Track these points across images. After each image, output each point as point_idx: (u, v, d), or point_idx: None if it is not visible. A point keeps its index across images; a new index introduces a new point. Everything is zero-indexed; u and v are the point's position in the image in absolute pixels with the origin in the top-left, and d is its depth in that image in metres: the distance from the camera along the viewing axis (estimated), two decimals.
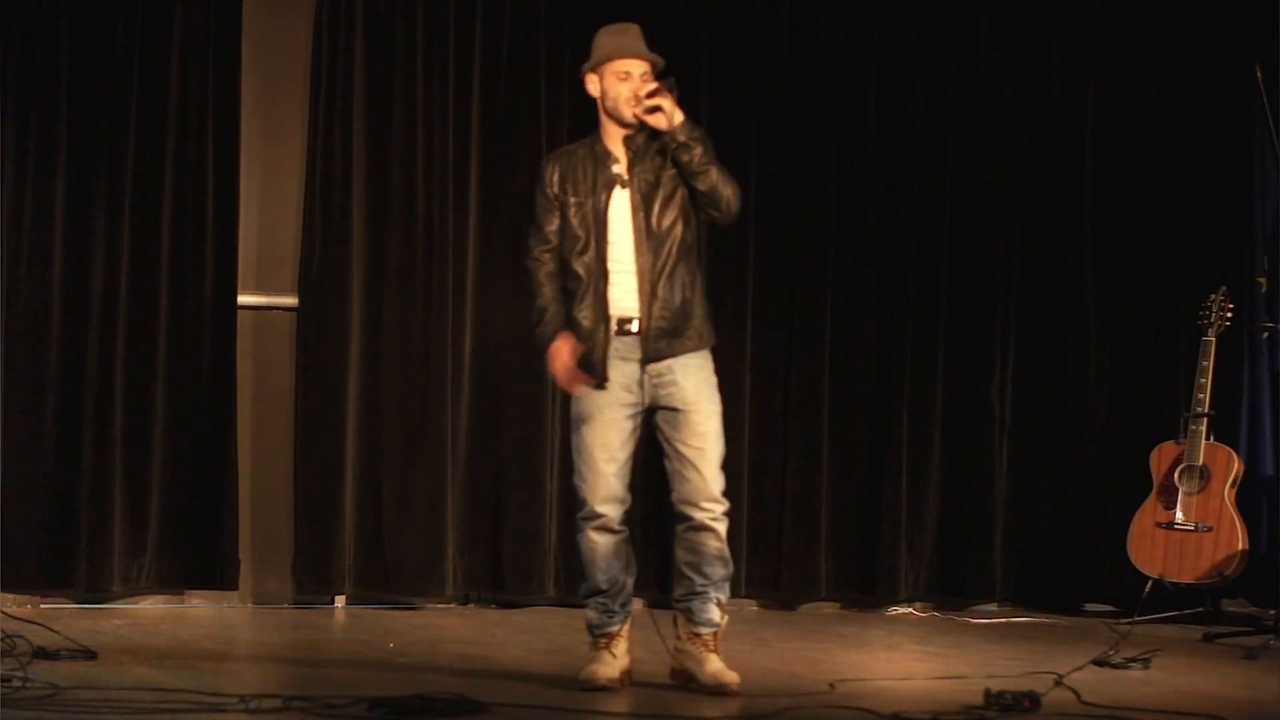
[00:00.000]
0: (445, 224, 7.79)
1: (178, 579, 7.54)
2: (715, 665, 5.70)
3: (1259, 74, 7.89)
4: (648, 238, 5.67)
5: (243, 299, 7.65)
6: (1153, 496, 7.92)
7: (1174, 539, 7.83)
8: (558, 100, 7.94)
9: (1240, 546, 7.76)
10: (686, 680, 5.74)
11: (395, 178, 7.76)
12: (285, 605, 7.67)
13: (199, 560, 7.52)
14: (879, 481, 8.25)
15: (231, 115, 7.59)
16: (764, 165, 8.11)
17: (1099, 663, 6.46)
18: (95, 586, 7.41)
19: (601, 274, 5.68)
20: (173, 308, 7.52)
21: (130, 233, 7.46)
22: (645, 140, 5.72)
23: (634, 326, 5.67)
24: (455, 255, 7.81)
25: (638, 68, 5.72)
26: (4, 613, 6.65)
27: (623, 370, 5.66)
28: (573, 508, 7.81)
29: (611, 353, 5.66)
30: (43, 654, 5.87)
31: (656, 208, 5.68)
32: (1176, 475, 7.86)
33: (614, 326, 5.67)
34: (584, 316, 5.68)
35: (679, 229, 5.71)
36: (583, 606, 7.87)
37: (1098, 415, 8.47)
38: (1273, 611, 7.33)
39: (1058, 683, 5.86)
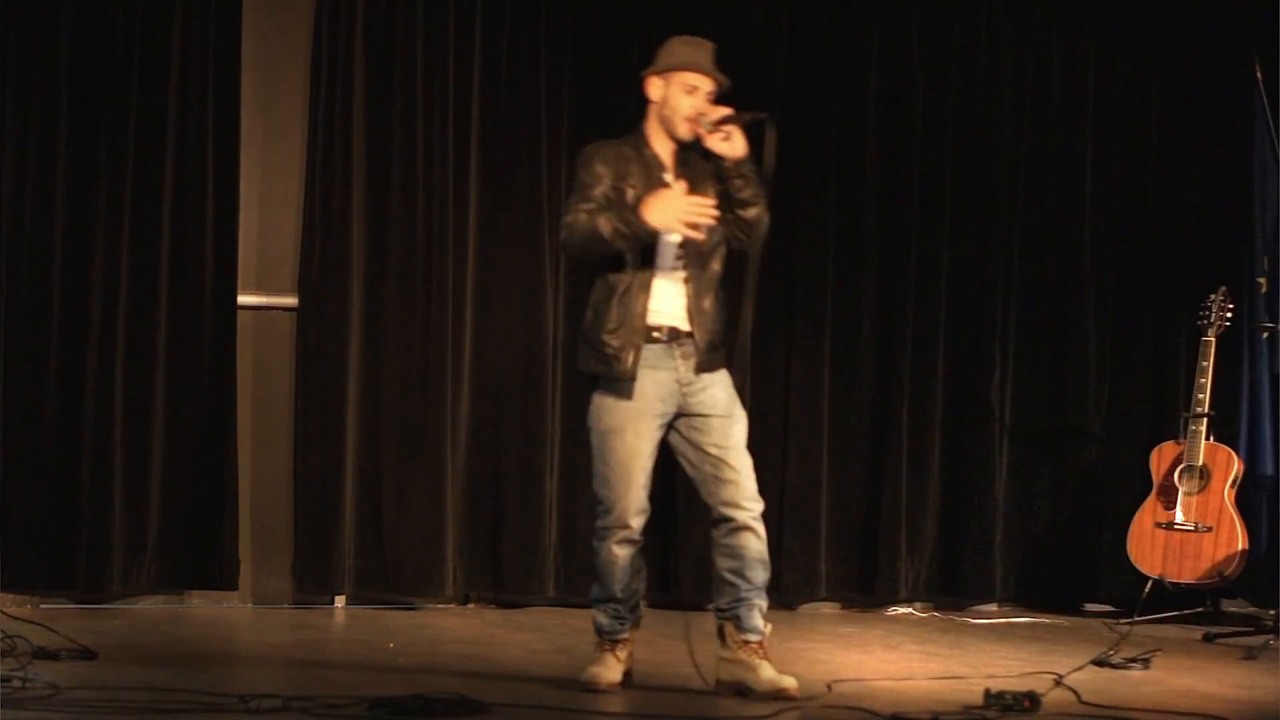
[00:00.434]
0: (445, 224, 7.79)
1: (178, 579, 7.54)
2: (770, 672, 5.66)
3: (1259, 74, 7.90)
4: (697, 253, 5.64)
5: (243, 299, 7.65)
6: (1153, 496, 7.92)
7: (1174, 539, 7.84)
8: (557, 100, 7.94)
9: (1240, 546, 7.76)
10: (738, 690, 5.68)
11: (395, 177, 7.76)
12: (285, 605, 7.68)
13: (199, 560, 7.52)
14: (879, 481, 8.26)
15: (231, 115, 7.59)
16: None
17: (1099, 663, 6.47)
18: (95, 586, 7.41)
19: (646, 280, 5.62)
20: (173, 308, 7.52)
21: (130, 233, 7.46)
22: (694, 155, 5.67)
23: (664, 335, 5.63)
24: (455, 255, 7.81)
25: (706, 85, 5.68)
26: (4, 613, 6.64)
27: (654, 379, 5.63)
28: (572, 508, 7.91)
29: (643, 363, 5.62)
30: (43, 654, 5.87)
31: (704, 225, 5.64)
32: (1176, 475, 7.86)
33: (649, 325, 5.62)
34: (620, 313, 5.62)
35: (722, 249, 5.71)
36: (586, 607, 7.88)
37: (1098, 415, 8.47)
38: (1273, 611, 7.34)
39: (1058, 683, 5.87)
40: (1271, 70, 7.99)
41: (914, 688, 5.98)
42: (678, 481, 5.86)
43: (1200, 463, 7.84)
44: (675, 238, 5.62)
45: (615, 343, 5.63)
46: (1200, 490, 7.83)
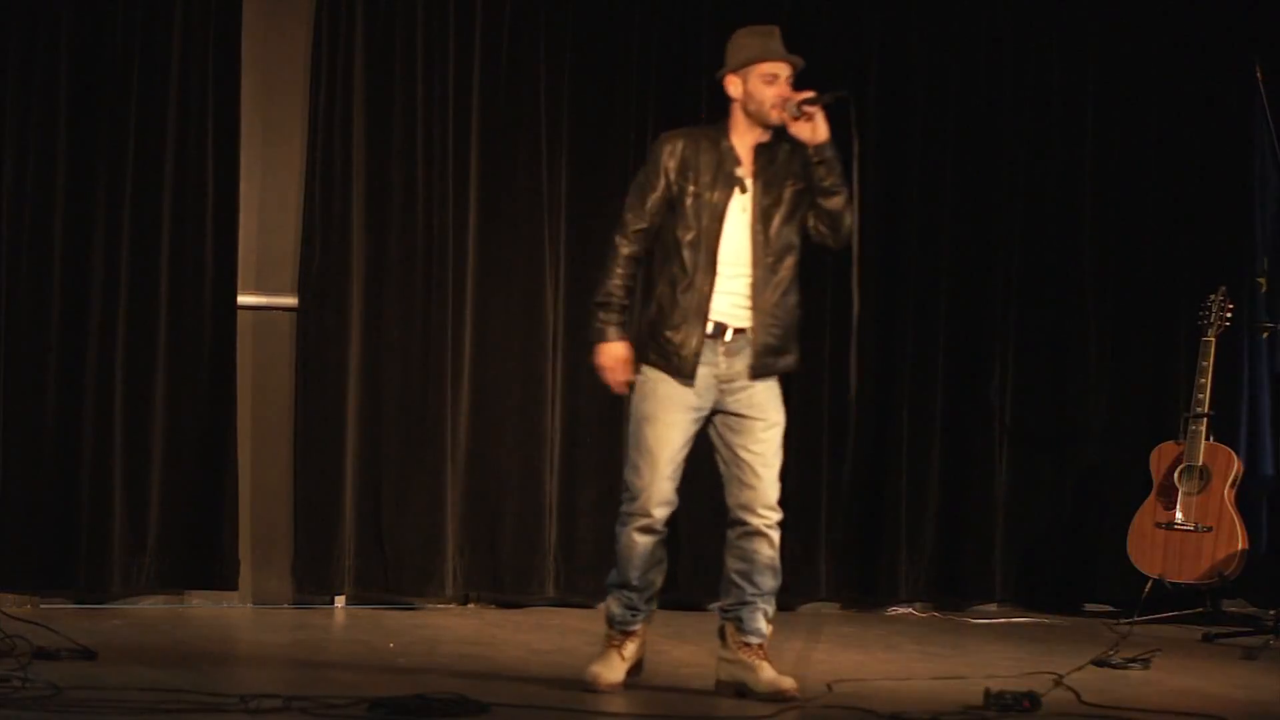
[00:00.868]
0: (445, 223, 7.79)
1: (178, 579, 7.54)
2: (770, 673, 5.65)
3: (1259, 74, 7.90)
4: (765, 252, 5.63)
5: (243, 299, 7.65)
6: (1153, 497, 7.92)
7: (1174, 539, 7.84)
8: (557, 100, 7.94)
9: (1240, 546, 7.76)
10: (737, 690, 5.68)
11: (395, 178, 7.76)
12: (285, 605, 7.67)
13: (199, 560, 7.52)
14: (879, 481, 8.25)
15: (231, 115, 7.58)
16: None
17: (1099, 663, 6.47)
18: (95, 586, 7.41)
19: (709, 270, 5.60)
20: (173, 308, 7.52)
21: (130, 233, 7.46)
22: (776, 149, 5.67)
23: (710, 329, 5.61)
24: (455, 255, 7.81)
25: (784, 70, 5.66)
26: (4, 613, 6.64)
27: (698, 373, 5.62)
28: (573, 508, 7.91)
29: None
30: (43, 654, 5.86)
31: (776, 223, 5.64)
32: (1176, 475, 7.86)
33: (709, 329, 5.62)
34: (684, 308, 5.60)
35: (795, 246, 5.69)
36: (587, 607, 7.88)
37: (1098, 415, 8.47)
38: (1273, 611, 7.34)
39: (1058, 683, 5.87)
40: (1271, 70, 7.99)
41: (914, 688, 5.98)
42: (682, 481, 5.83)
43: (1200, 463, 7.84)
44: (736, 236, 5.61)
45: (678, 338, 5.61)
46: (1200, 490, 7.83)
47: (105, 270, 7.43)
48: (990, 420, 8.36)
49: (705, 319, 5.61)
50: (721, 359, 5.63)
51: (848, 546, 8.22)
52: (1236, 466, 7.85)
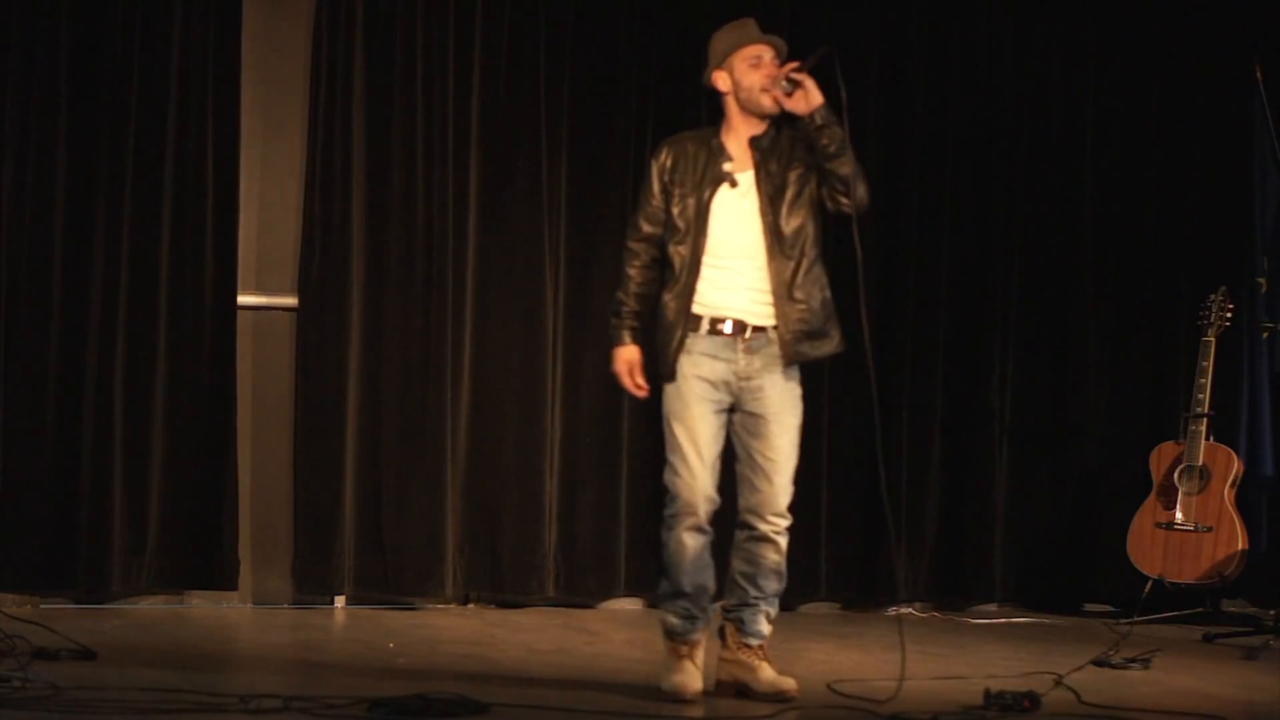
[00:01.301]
0: (445, 224, 7.79)
1: (178, 579, 7.54)
2: (770, 674, 5.65)
3: (1259, 74, 7.90)
4: (778, 241, 5.62)
5: (243, 299, 7.65)
6: (1152, 497, 7.92)
7: (1174, 539, 7.84)
8: (557, 100, 7.94)
9: (1240, 547, 7.76)
10: (737, 690, 5.67)
11: (395, 177, 7.76)
12: (285, 605, 7.67)
13: (199, 560, 7.52)
14: (879, 482, 8.24)
15: (231, 115, 7.58)
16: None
17: (1099, 663, 6.47)
18: (95, 586, 7.41)
19: (694, 268, 5.61)
20: (173, 308, 7.52)
21: (130, 233, 7.46)
22: (774, 137, 5.67)
23: (727, 327, 5.61)
24: (455, 255, 7.81)
25: (767, 52, 5.67)
26: (4, 613, 6.64)
27: (711, 368, 5.61)
28: (572, 508, 7.91)
29: (699, 350, 5.61)
30: (43, 654, 5.87)
31: (785, 210, 5.63)
32: (1176, 475, 7.86)
33: (705, 326, 5.62)
34: (668, 307, 5.64)
35: (810, 228, 5.67)
36: (586, 607, 7.89)
37: (1098, 415, 8.47)
38: (1273, 611, 7.34)
39: (1058, 683, 5.87)
40: (1271, 70, 7.99)
41: (914, 688, 5.98)
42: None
43: (1200, 463, 7.84)
44: (736, 230, 5.62)
45: (664, 338, 5.65)
46: (1200, 490, 7.83)
47: (105, 270, 7.43)
48: (990, 420, 8.36)
49: (688, 315, 5.62)
50: (740, 356, 5.62)
51: (848, 546, 8.22)
52: (1236, 466, 7.85)
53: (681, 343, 5.61)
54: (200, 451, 7.54)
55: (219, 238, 7.57)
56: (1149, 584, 7.75)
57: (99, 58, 7.43)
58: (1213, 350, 7.85)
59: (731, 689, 5.68)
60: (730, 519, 5.74)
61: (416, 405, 7.75)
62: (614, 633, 7.23)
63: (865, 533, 8.23)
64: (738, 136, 5.69)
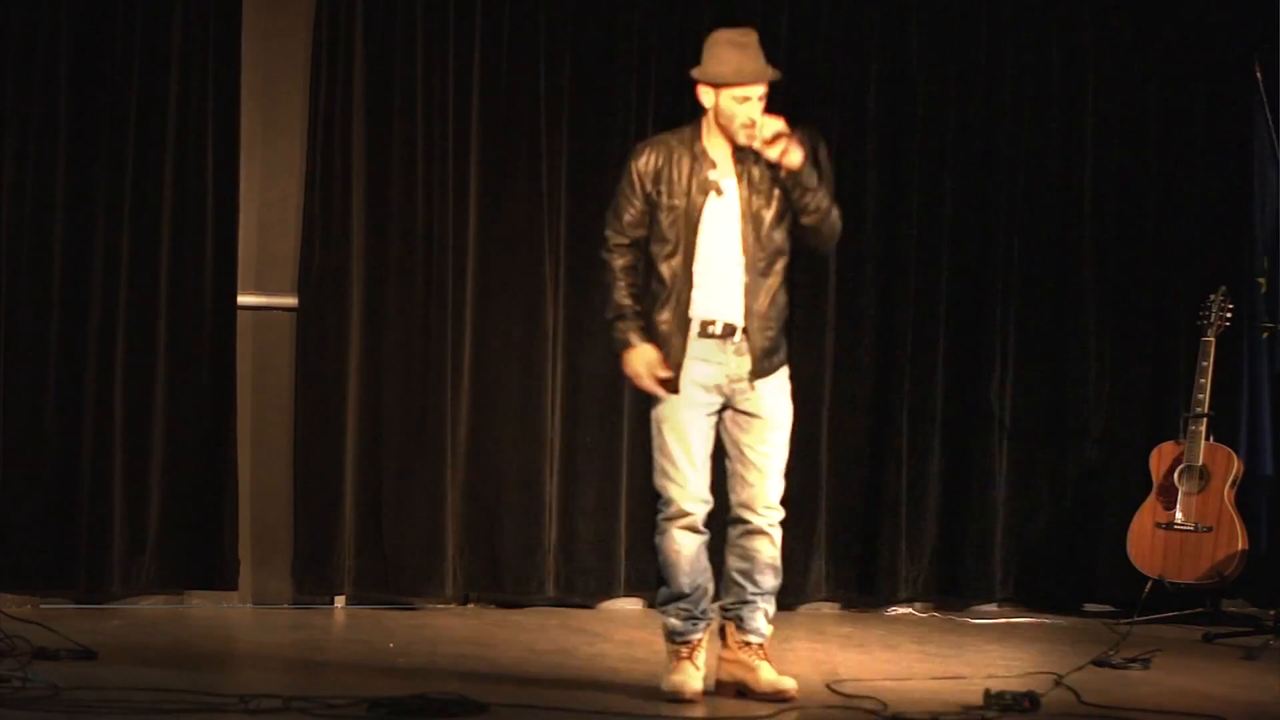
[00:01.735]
0: (445, 224, 7.79)
1: (178, 579, 7.54)
2: (770, 673, 5.65)
3: (1259, 74, 7.89)
4: (756, 255, 5.61)
5: (243, 299, 7.65)
6: (1152, 497, 7.92)
7: (1174, 539, 7.83)
8: (557, 100, 7.94)
9: (1240, 547, 7.76)
10: (737, 690, 5.67)
11: (395, 177, 7.76)
12: (285, 605, 7.67)
13: (199, 560, 7.52)
14: (879, 482, 8.25)
15: (231, 115, 7.58)
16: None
17: (1099, 663, 6.47)
18: (95, 586, 7.41)
19: (686, 280, 5.59)
20: (173, 308, 7.52)
21: (130, 233, 7.46)
22: (762, 165, 5.63)
23: (717, 329, 5.60)
24: (455, 255, 7.81)
25: (757, 92, 5.60)
26: (4, 613, 6.64)
27: (703, 371, 5.61)
28: (572, 508, 7.91)
29: (690, 355, 5.60)
30: (43, 654, 5.87)
31: (766, 226, 5.62)
32: (1176, 475, 7.86)
33: (695, 329, 5.60)
34: (664, 322, 5.61)
35: (786, 248, 5.68)
36: (586, 607, 7.90)
37: (1098, 415, 8.46)
38: (1273, 611, 7.33)
39: (1058, 683, 5.87)
40: (1271, 70, 7.99)
41: (914, 688, 5.98)
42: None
43: (1200, 463, 7.83)
44: (722, 238, 5.60)
45: (662, 352, 5.61)
46: (1200, 490, 7.83)
47: (105, 270, 7.43)
48: (990, 420, 8.35)
49: (686, 328, 5.60)
50: (732, 358, 5.62)
51: (848, 546, 8.22)
52: (1236, 466, 7.84)
53: (682, 354, 5.60)
54: (200, 451, 7.54)
55: (219, 238, 7.57)
56: (1149, 584, 7.75)
57: (99, 58, 7.43)
58: (1213, 350, 7.84)
59: (731, 688, 5.68)
60: (723, 519, 5.74)
61: (416, 405, 7.75)
62: (614, 633, 7.23)
63: (865, 533, 8.23)
64: (720, 144, 5.66)
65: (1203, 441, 7.82)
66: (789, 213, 5.65)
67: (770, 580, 5.68)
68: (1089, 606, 8.35)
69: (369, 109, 7.74)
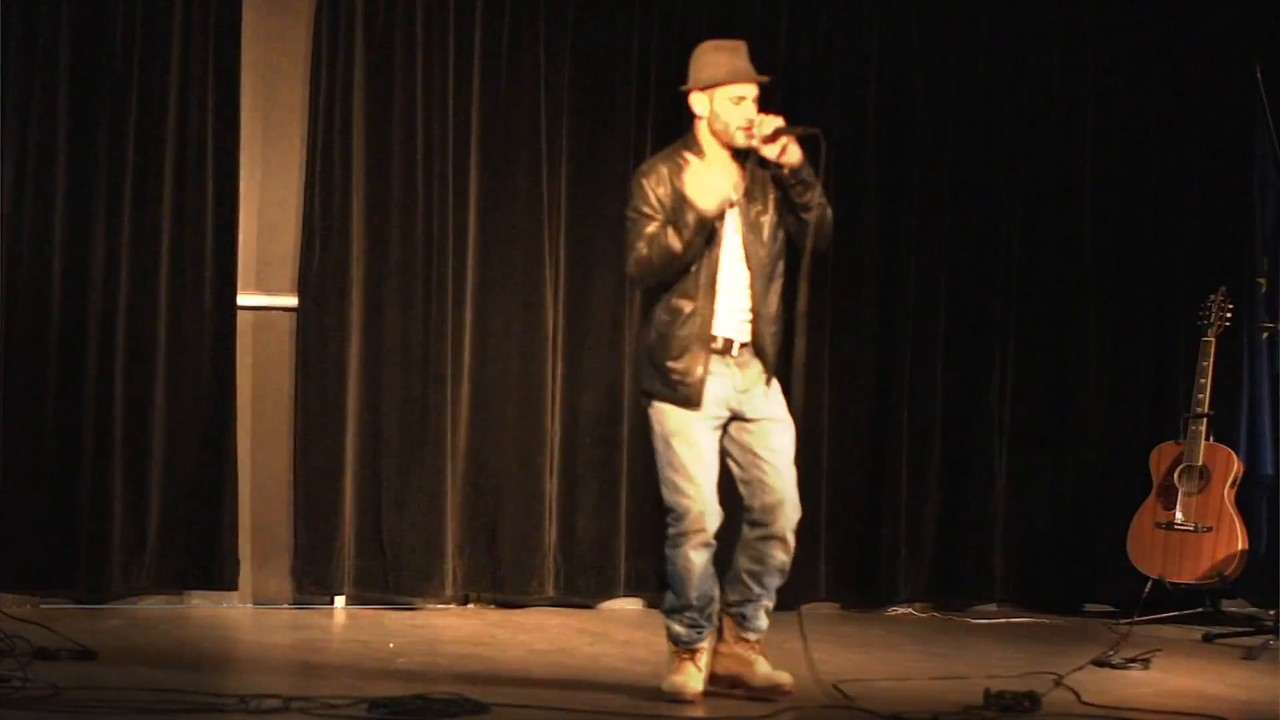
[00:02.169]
0: (445, 224, 7.79)
1: (178, 579, 7.54)
2: (767, 668, 5.67)
3: (1259, 74, 7.90)
4: (761, 261, 5.61)
5: (243, 299, 7.65)
6: (1152, 497, 7.92)
7: (1174, 539, 7.84)
8: (558, 99, 7.94)
9: (1240, 547, 7.76)
10: (734, 684, 5.68)
11: (395, 178, 7.76)
12: (285, 605, 7.67)
13: (199, 560, 7.52)
14: (879, 482, 8.25)
15: (231, 115, 7.58)
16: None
17: (1099, 663, 6.47)
18: (95, 586, 7.41)
19: (710, 296, 5.58)
20: (173, 308, 7.52)
21: (130, 232, 7.46)
22: (751, 160, 5.62)
23: (718, 345, 5.58)
24: (455, 255, 7.81)
25: (751, 92, 5.60)
26: (4, 613, 6.64)
27: (713, 385, 5.59)
28: (572, 508, 7.91)
29: (709, 370, 5.59)
30: (42, 654, 5.87)
31: (766, 231, 5.63)
32: (1176, 475, 7.86)
33: (711, 345, 5.59)
34: (685, 338, 5.57)
35: (784, 254, 5.68)
36: (586, 607, 7.89)
37: (1098, 415, 8.47)
38: (1273, 611, 7.34)
39: (1058, 683, 5.87)
40: (1271, 71, 7.99)
41: (914, 688, 5.98)
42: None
43: (1200, 463, 7.84)
44: (731, 252, 5.59)
45: (680, 368, 5.58)
46: (1200, 490, 7.83)
47: (105, 270, 7.43)
48: (990, 420, 8.36)
49: (708, 346, 5.59)
50: (736, 371, 5.62)
51: (848, 546, 8.22)
52: (1236, 466, 7.85)
53: (706, 369, 5.58)
54: (200, 452, 7.54)
55: (219, 238, 7.56)
56: (1149, 584, 7.75)
57: (99, 57, 7.43)
58: (1213, 350, 7.84)
59: (726, 681, 5.69)
60: (735, 521, 5.74)
61: (416, 405, 7.75)
62: (614, 633, 7.23)
63: (865, 533, 8.23)
64: (719, 155, 5.64)
65: (1203, 441, 7.83)
66: (784, 215, 5.65)
67: (776, 582, 5.71)
68: (1089, 606, 8.36)
69: (369, 109, 7.74)
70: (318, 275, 7.70)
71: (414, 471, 7.74)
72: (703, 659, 5.68)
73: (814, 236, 5.62)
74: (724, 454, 5.69)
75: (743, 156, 5.65)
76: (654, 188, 5.59)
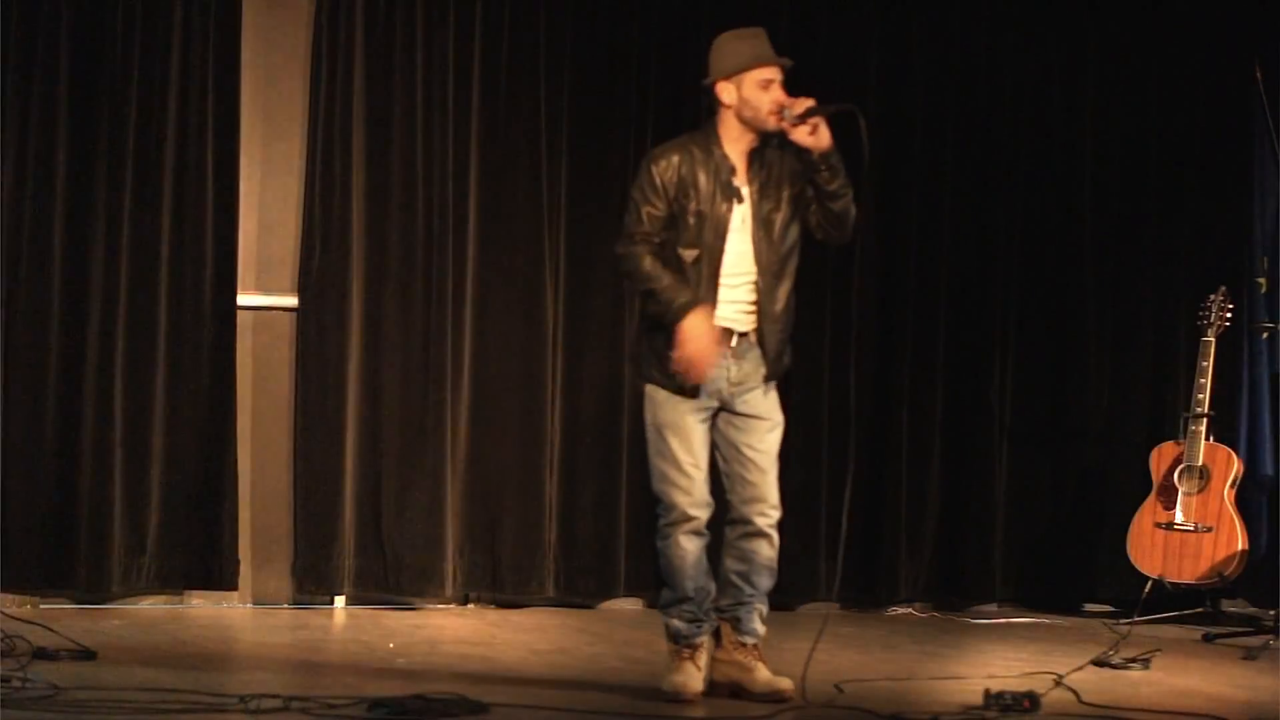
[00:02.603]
0: (445, 224, 7.79)
1: (178, 579, 7.54)
2: (766, 674, 5.65)
3: (1259, 74, 7.90)
4: (770, 258, 5.60)
5: (243, 299, 7.65)
6: (1152, 497, 7.92)
7: (1174, 539, 7.84)
8: (557, 100, 7.94)
9: (1240, 547, 7.76)
10: (732, 691, 5.67)
11: (395, 177, 7.76)
12: (285, 605, 7.67)
13: (199, 560, 7.52)
14: (879, 482, 8.25)
15: (231, 115, 7.58)
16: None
17: (1099, 663, 6.47)
18: (95, 586, 7.41)
19: (712, 286, 5.56)
20: (173, 308, 7.52)
21: (130, 232, 7.46)
22: (770, 154, 5.61)
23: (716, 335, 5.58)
24: (455, 255, 7.81)
25: (778, 75, 5.59)
26: (4, 613, 6.64)
27: (709, 378, 5.59)
28: (572, 508, 7.91)
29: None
30: (43, 654, 5.87)
31: (778, 228, 5.61)
32: (1176, 475, 7.86)
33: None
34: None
35: (796, 252, 5.67)
36: (586, 607, 7.89)
37: (1098, 415, 8.47)
38: (1273, 612, 7.34)
39: (1058, 683, 5.87)
40: (1271, 70, 7.99)
41: (914, 688, 5.98)
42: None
43: (1200, 463, 7.84)
44: (738, 245, 5.57)
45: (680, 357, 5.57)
46: (1200, 490, 7.83)
47: (105, 270, 7.43)
48: (990, 420, 8.36)
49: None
50: (731, 362, 5.61)
51: (848, 546, 8.22)
52: (1236, 466, 7.85)
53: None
54: (200, 451, 7.54)
55: (219, 238, 7.57)
56: (1149, 584, 7.75)
57: (99, 58, 7.43)
58: (1213, 350, 7.84)
59: (727, 689, 5.68)
60: (720, 520, 5.74)
61: (416, 405, 7.75)
62: (614, 633, 7.23)
63: (865, 533, 8.23)
64: (736, 147, 5.63)
65: (1203, 441, 7.83)
66: (800, 212, 5.64)
67: (766, 581, 5.69)
68: (1089, 606, 8.36)
69: (369, 109, 7.74)
70: (318, 275, 7.70)
71: (414, 471, 7.74)
72: (702, 658, 5.67)
73: (839, 226, 5.61)
74: (711, 444, 5.69)
75: (762, 149, 5.62)
76: (661, 174, 5.57)
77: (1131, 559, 7.91)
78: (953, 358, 8.35)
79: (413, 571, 7.72)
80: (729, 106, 5.61)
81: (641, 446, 5.79)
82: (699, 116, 6.19)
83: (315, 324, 7.71)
